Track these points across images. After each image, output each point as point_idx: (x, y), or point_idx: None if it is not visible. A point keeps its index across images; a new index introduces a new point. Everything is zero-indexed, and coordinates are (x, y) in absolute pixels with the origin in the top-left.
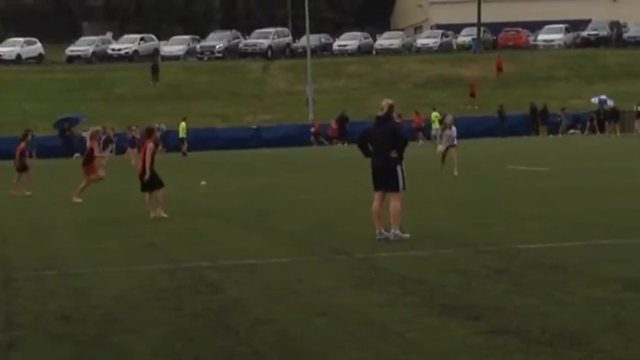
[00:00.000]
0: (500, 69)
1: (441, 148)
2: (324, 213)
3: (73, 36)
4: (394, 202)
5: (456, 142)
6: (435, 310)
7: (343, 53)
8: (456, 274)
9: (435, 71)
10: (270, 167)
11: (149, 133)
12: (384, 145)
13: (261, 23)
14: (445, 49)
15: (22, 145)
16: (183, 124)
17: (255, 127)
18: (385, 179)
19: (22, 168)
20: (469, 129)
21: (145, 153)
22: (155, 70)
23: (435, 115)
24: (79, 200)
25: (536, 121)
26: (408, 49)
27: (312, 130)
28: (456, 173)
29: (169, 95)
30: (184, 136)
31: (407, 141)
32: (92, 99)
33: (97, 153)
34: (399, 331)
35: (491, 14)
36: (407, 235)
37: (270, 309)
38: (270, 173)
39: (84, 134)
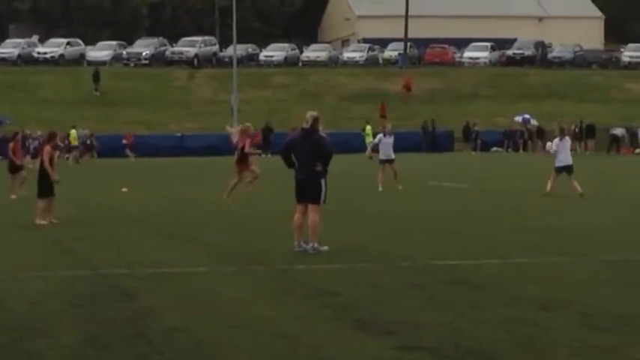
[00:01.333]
0: (408, 89)
1: (379, 157)
2: (244, 224)
3: None
4: (313, 215)
5: (393, 155)
6: (349, 324)
7: (269, 64)
8: (371, 288)
9: (360, 85)
10: (193, 176)
11: (51, 137)
12: (309, 157)
13: (189, 31)
14: (371, 63)
15: (12, 145)
16: (73, 132)
17: (179, 135)
18: (308, 191)
19: (15, 169)
20: (394, 144)
21: (42, 157)
22: (96, 78)
23: (368, 128)
24: (231, 202)
25: (430, 138)
26: (334, 62)
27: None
28: (400, 187)
29: (94, 100)
30: (76, 143)
31: (332, 154)
32: (16, 101)
33: (247, 149)
34: (312, 345)
35: (419, 30)
36: (325, 248)
37: (185, 318)
38: (192, 182)
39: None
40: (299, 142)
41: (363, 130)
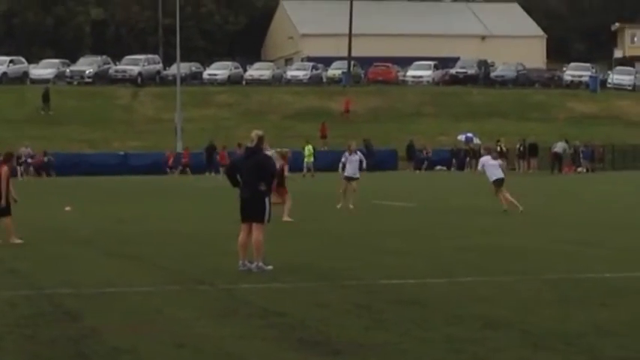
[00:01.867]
0: (347, 110)
1: (344, 174)
2: (188, 243)
3: None
4: (257, 234)
5: (358, 174)
6: (294, 344)
7: (213, 82)
8: (317, 307)
9: (304, 103)
10: (137, 195)
11: (7, 157)
12: (253, 176)
13: (132, 50)
14: (315, 81)
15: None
16: None
17: (122, 153)
18: (252, 210)
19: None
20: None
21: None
22: (46, 99)
23: (308, 148)
24: (290, 219)
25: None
26: (278, 81)
27: None
28: (351, 206)
29: (37, 119)
30: None
31: (274, 174)
32: None
33: (286, 173)
34: None
35: (362, 49)
36: (270, 268)
37: (129, 338)
38: (136, 201)
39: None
40: (243, 160)
41: (303, 149)
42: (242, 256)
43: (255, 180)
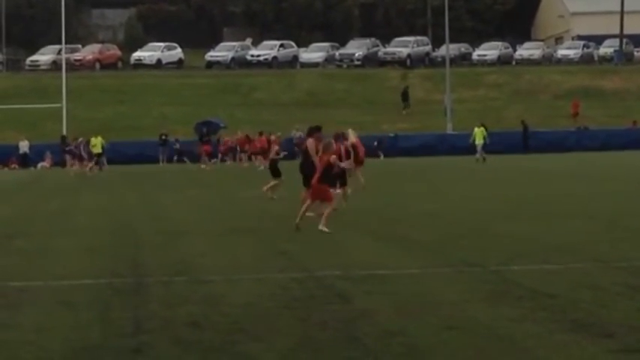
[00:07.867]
0: (575, 114)
1: None
2: (458, 224)
3: (213, 41)
4: None
5: None
6: (566, 326)
7: (482, 63)
8: (588, 289)
9: (575, 82)
10: (406, 176)
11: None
12: None
13: (401, 32)
14: (586, 60)
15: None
16: (95, 140)
17: (392, 135)
18: None
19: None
20: (607, 140)
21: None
22: (405, 97)
23: (480, 130)
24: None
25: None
26: (548, 60)
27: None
28: None
29: (307, 102)
30: (100, 151)
31: None
32: (230, 104)
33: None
34: (528, 347)
35: (634, 26)
36: None
37: (399, 321)
38: (404, 182)
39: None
40: None
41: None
42: None
43: None
